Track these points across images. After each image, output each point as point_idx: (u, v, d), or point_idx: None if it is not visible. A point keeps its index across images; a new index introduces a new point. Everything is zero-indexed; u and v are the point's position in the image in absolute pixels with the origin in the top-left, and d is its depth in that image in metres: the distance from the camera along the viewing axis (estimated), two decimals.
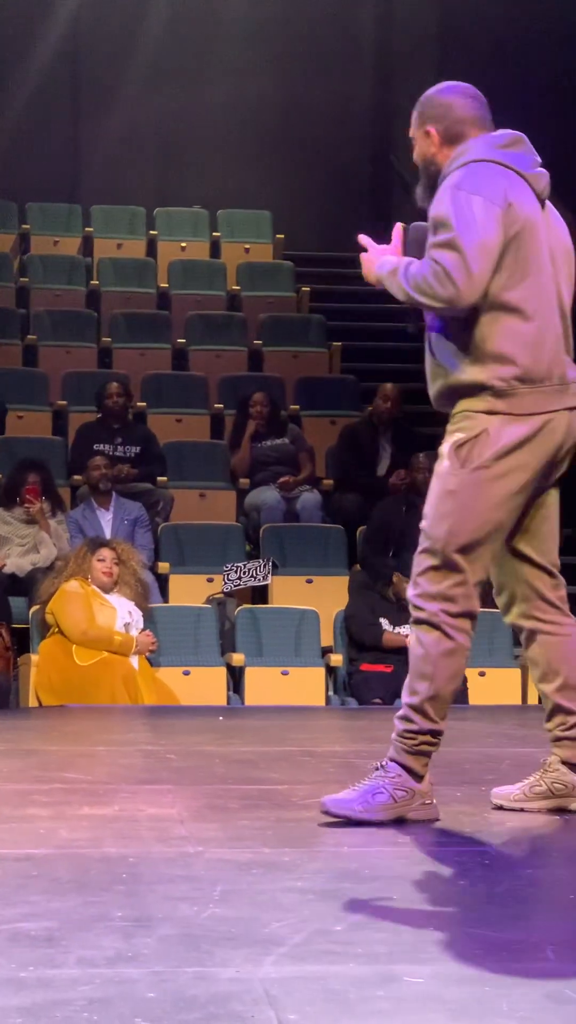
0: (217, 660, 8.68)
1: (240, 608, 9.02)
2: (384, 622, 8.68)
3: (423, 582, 4.13)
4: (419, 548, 4.18)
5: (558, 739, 4.33)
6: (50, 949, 2.75)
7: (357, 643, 8.69)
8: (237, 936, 2.85)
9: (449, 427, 4.22)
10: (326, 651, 8.87)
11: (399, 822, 4.01)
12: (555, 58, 13.66)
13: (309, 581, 9.62)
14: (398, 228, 4.37)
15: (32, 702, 8.09)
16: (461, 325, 4.12)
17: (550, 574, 4.33)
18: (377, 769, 4.13)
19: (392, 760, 4.12)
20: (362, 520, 10.04)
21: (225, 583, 9.26)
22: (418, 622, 4.14)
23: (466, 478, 4.11)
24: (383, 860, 3.58)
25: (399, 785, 4.08)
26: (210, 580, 9.45)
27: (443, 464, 4.17)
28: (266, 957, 2.70)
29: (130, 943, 2.80)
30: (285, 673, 8.63)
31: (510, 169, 4.15)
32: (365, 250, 4.38)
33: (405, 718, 4.13)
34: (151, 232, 14.37)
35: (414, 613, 4.16)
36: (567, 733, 4.31)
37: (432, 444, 12.00)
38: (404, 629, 8.65)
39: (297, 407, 11.81)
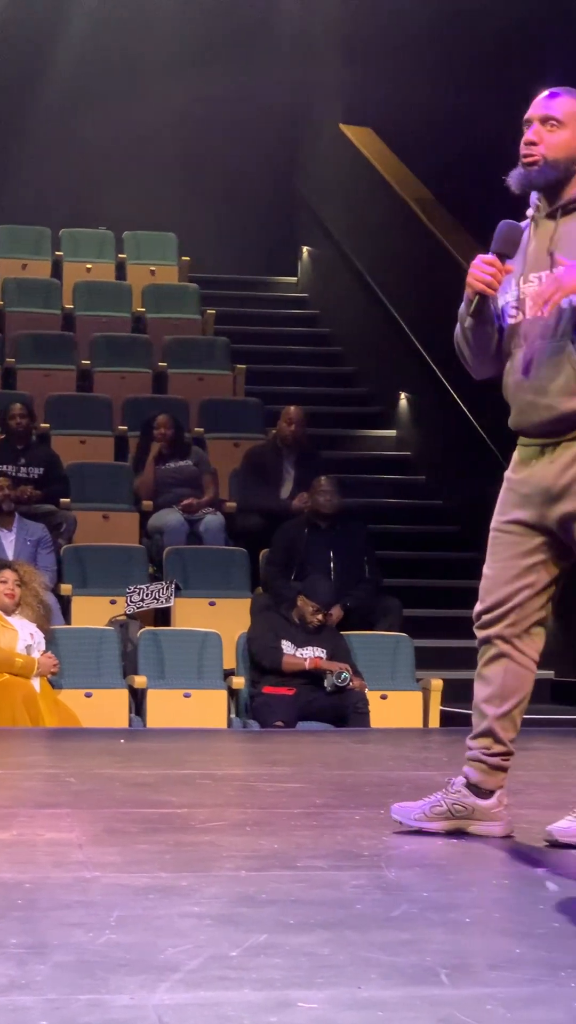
0: (119, 682, 8.65)
1: (143, 630, 9.00)
2: (287, 645, 8.69)
3: None
4: None
5: (477, 760, 4.34)
6: None
7: (258, 666, 8.69)
8: (132, 962, 2.84)
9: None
10: (228, 674, 8.87)
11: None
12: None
13: (212, 603, 9.61)
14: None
15: None
16: None
17: (545, 619, 4.39)
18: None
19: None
20: (265, 542, 10.06)
21: (128, 605, 9.24)
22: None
23: None
24: (280, 884, 3.58)
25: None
26: (113, 602, 9.42)
27: None
28: (161, 983, 2.69)
29: (24, 970, 2.79)
30: (187, 695, 8.61)
31: None
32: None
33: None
34: (56, 253, 14.34)
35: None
36: (487, 759, 4.33)
37: (334, 467, 12.06)
38: (307, 651, 8.67)
39: (201, 429, 11.82)
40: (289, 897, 3.45)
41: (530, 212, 4.31)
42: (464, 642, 10.71)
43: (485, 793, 4.29)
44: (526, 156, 4.20)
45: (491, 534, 4.42)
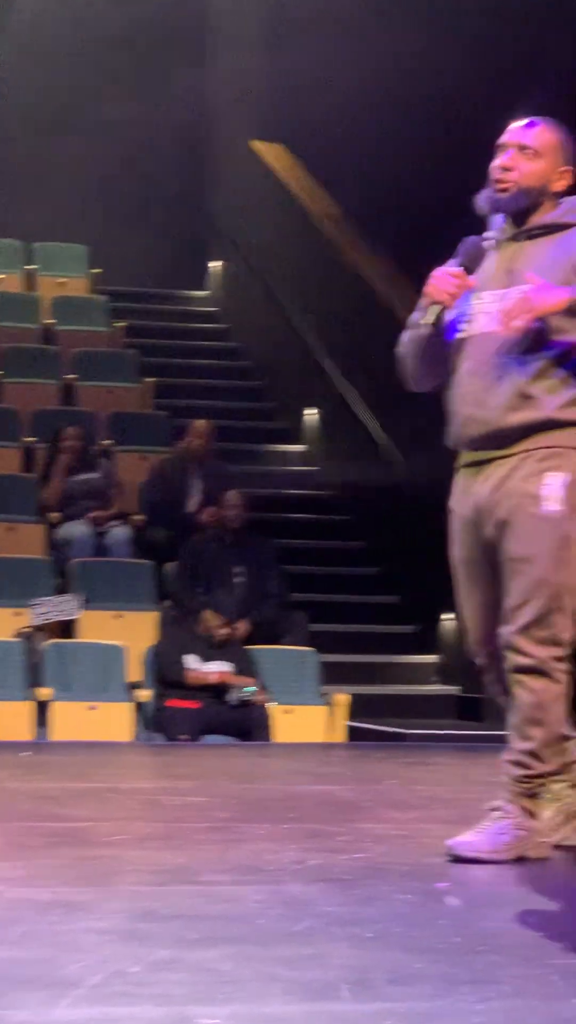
0: (24, 694, 8.61)
1: (48, 642, 8.97)
2: (193, 658, 8.69)
3: (533, 629, 4.15)
4: (523, 594, 4.15)
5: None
6: None
7: (164, 679, 8.69)
8: (33, 978, 2.83)
9: (529, 461, 4.19)
10: (134, 686, 8.86)
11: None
12: None
13: (118, 616, 9.59)
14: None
15: None
16: (572, 364, 4.18)
17: None
18: (495, 811, 4.20)
19: (510, 803, 4.19)
20: (172, 555, 10.05)
21: (33, 617, 9.20)
22: (524, 670, 4.17)
23: None
24: (183, 899, 3.58)
25: (519, 825, 4.17)
26: (18, 614, 9.38)
27: (550, 507, 4.16)
28: (62, 999, 2.69)
29: None
30: (92, 708, 8.59)
31: None
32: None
33: (519, 763, 4.19)
34: None
35: (519, 660, 4.17)
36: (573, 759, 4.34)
37: (242, 482, 12.05)
38: (213, 665, 8.68)
39: (110, 441, 11.79)
40: (192, 912, 3.45)
41: (491, 233, 4.39)
42: (369, 657, 10.84)
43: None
44: (500, 181, 4.31)
45: (453, 568, 4.47)
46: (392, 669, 10.84)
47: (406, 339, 4.46)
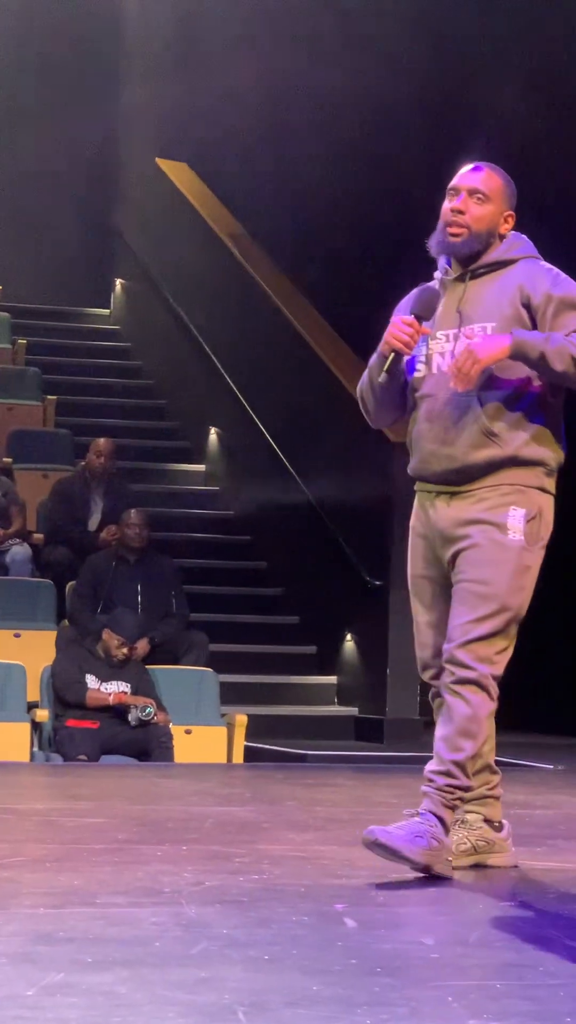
0: None
1: None
2: (91, 679, 8.64)
3: (479, 645, 4.31)
4: (476, 612, 4.32)
5: (483, 797, 4.51)
6: None
7: (62, 699, 8.63)
8: None
9: (493, 495, 4.37)
10: (32, 706, 8.79)
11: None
12: None
13: (17, 635, 9.53)
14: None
15: None
16: (538, 401, 4.37)
17: None
18: (415, 816, 4.26)
19: (430, 812, 4.26)
20: (72, 575, 10.00)
21: None
22: (466, 681, 4.30)
23: (536, 554, 4.39)
24: (79, 922, 3.56)
25: (435, 835, 4.23)
26: None
27: (514, 537, 4.36)
28: None
29: None
30: None
31: None
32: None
33: (447, 773, 4.28)
34: None
35: (461, 672, 4.30)
36: (492, 792, 4.53)
37: (143, 500, 12.01)
38: (111, 686, 8.63)
39: (10, 460, 11.72)
40: (88, 935, 3.43)
41: (438, 275, 4.57)
42: (269, 678, 10.83)
43: (498, 826, 4.50)
44: (452, 225, 4.47)
45: (410, 584, 4.61)
46: (292, 690, 10.85)
47: (363, 383, 4.62)
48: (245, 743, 8.96)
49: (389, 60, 11.72)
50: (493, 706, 4.34)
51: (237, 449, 12.74)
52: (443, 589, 4.47)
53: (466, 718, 4.29)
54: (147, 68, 15.17)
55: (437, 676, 4.47)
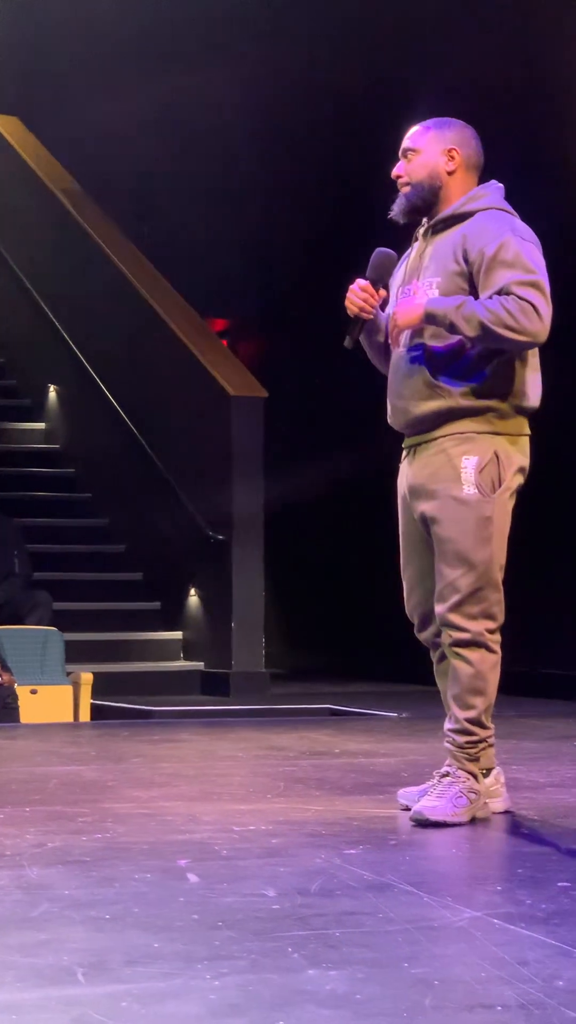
0: None
1: None
2: None
3: (466, 605, 4.48)
4: (453, 572, 4.46)
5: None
6: None
7: None
8: None
9: (447, 447, 4.51)
10: None
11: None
12: None
13: None
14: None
15: None
16: (483, 352, 4.45)
17: None
18: (446, 776, 4.51)
19: (460, 769, 4.51)
20: None
21: None
22: (462, 643, 4.49)
23: (497, 501, 4.49)
24: None
25: (471, 789, 4.49)
26: None
27: (468, 491, 4.48)
28: None
29: None
30: None
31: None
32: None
33: (463, 731, 4.51)
34: None
35: (456, 635, 4.49)
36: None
37: None
38: None
39: None
40: None
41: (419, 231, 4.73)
42: (114, 635, 10.80)
43: (485, 773, 4.62)
44: (400, 187, 4.66)
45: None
46: (137, 646, 10.84)
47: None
48: (92, 701, 8.93)
49: None
50: (495, 657, 4.51)
51: (77, 406, 12.65)
52: (419, 544, 4.63)
53: (470, 676, 4.48)
54: None
55: (421, 628, 4.69)
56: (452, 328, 4.43)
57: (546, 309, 4.40)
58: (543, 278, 4.42)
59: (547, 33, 9.93)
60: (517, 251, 4.42)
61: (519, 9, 10.11)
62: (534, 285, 4.39)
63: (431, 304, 4.46)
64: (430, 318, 4.46)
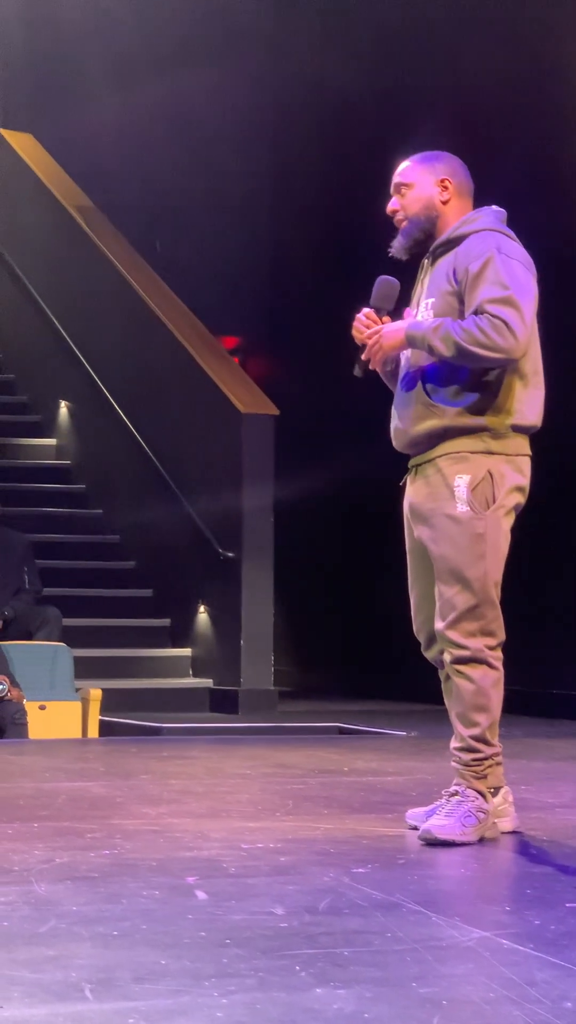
0: None
1: None
2: None
3: (463, 622, 4.51)
4: (450, 590, 4.51)
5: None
6: None
7: None
8: None
9: (442, 466, 4.56)
10: None
11: None
12: None
13: None
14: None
15: None
16: (477, 371, 4.50)
17: None
18: (454, 795, 4.51)
19: (468, 788, 4.51)
20: None
21: None
22: (462, 661, 4.52)
23: (490, 519, 4.52)
24: None
25: (479, 808, 4.49)
26: None
27: (461, 508, 4.53)
28: None
29: None
30: None
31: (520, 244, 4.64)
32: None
33: (469, 749, 4.53)
34: None
35: (456, 652, 4.52)
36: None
37: None
38: None
39: None
40: None
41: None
42: (124, 651, 10.80)
43: (493, 792, 4.60)
44: (396, 223, 4.77)
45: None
46: (146, 663, 10.84)
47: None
48: (100, 717, 8.93)
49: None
50: (497, 674, 4.53)
51: (88, 423, 12.66)
52: (424, 563, 4.67)
53: (473, 693, 4.51)
54: None
55: (427, 647, 4.72)
56: (431, 350, 4.52)
57: (519, 324, 4.43)
58: (518, 295, 4.45)
59: (555, 41, 9.94)
60: (497, 268, 4.50)
61: (528, 16, 10.13)
62: (506, 301, 4.44)
63: (411, 328, 4.59)
64: (411, 341, 4.59)
